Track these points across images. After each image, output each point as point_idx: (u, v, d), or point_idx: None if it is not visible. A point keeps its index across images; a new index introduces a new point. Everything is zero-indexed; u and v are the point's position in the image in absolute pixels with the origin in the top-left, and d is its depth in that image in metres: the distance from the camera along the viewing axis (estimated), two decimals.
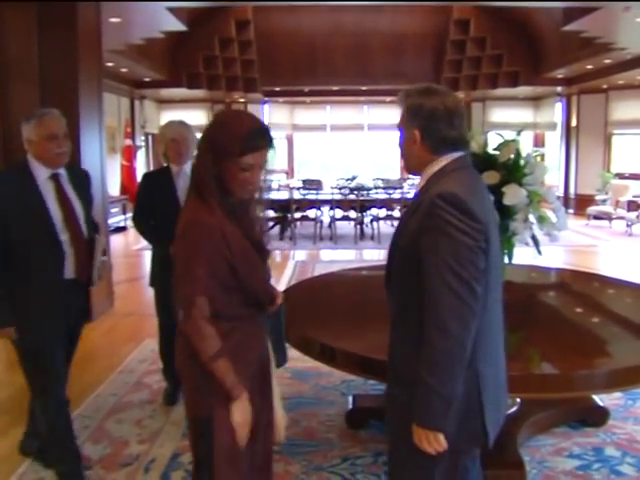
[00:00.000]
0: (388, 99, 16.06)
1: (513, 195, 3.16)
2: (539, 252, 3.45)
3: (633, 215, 12.27)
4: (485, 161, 3.32)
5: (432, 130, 1.92)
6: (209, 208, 1.98)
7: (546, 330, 3.27)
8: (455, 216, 1.78)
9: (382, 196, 12.00)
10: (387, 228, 11.82)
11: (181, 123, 4.09)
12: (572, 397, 3.67)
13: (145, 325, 5.81)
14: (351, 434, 3.71)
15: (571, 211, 15.11)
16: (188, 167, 3.87)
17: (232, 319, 2.07)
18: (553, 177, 16.35)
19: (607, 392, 3.77)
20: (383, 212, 11.96)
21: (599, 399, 3.96)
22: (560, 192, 15.59)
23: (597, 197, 13.80)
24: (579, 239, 11.62)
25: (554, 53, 12.78)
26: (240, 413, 2.02)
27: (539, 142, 17.13)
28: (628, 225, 12.34)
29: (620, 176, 14.12)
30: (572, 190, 15.44)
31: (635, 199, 12.86)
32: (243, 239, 2.06)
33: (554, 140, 16.54)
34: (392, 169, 17.77)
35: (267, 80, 14.55)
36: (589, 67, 12.63)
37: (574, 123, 15.37)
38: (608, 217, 13.06)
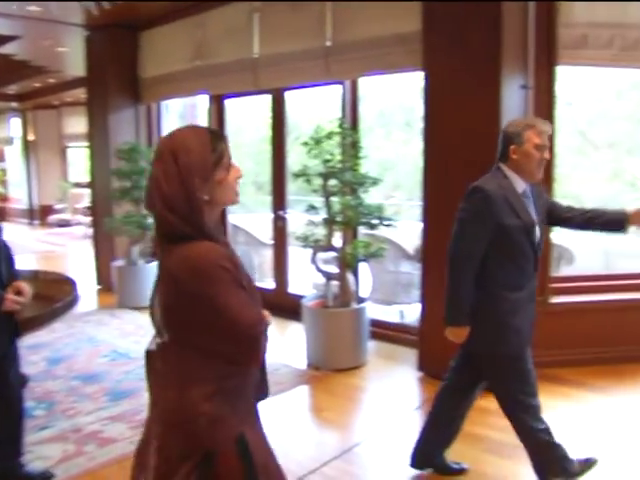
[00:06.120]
0: None
1: None
2: None
3: (89, 219, 13.52)
4: None
5: None
6: (206, 238, 1.71)
7: None
8: None
9: None
10: None
11: None
12: None
13: None
14: None
15: (37, 222, 15.79)
16: None
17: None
18: (18, 191, 16.77)
19: None
20: None
21: None
22: (25, 204, 16.13)
23: (57, 206, 14.75)
24: (40, 246, 12.46)
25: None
26: None
27: (0, 157, 17.30)
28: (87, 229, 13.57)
29: (78, 185, 15.35)
30: (35, 201, 16.13)
31: (91, 205, 14.17)
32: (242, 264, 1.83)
33: (14, 154, 16.95)
34: None
35: None
36: (37, 85, 13.30)
37: (32, 137, 16.06)
38: (68, 224, 14.15)
